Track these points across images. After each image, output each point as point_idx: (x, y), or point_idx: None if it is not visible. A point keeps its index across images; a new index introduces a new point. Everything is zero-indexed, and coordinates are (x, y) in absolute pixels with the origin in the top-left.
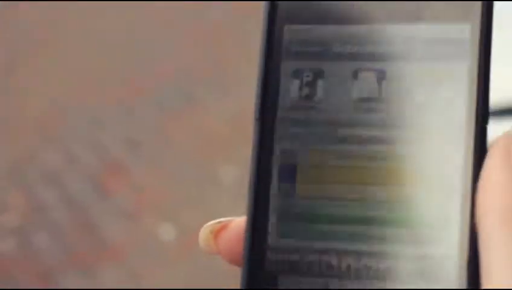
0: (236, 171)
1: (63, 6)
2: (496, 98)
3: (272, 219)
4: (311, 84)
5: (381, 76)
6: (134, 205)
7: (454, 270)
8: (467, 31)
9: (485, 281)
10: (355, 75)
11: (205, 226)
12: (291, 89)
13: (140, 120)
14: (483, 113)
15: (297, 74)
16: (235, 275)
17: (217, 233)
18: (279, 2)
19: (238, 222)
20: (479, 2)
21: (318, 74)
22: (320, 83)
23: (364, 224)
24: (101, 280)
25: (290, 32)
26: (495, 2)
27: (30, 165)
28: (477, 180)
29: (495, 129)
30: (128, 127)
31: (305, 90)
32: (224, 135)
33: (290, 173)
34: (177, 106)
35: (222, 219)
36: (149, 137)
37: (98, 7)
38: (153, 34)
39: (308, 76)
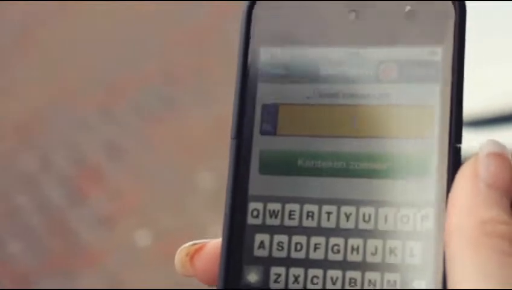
0: (215, 177)
1: (43, 9)
2: (498, 104)
3: (248, 234)
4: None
5: (355, 98)
6: (111, 210)
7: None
8: (440, 53)
9: None
10: (331, 95)
11: (181, 248)
12: (267, 113)
13: (119, 124)
14: (456, 133)
15: (273, 97)
16: None
17: (192, 255)
18: (255, 24)
19: (214, 244)
20: (452, 25)
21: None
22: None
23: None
24: (77, 286)
25: (265, 53)
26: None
27: (6, 169)
28: None
29: (497, 136)
30: (107, 131)
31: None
32: (204, 140)
33: None
34: (157, 110)
35: (197, 241)
36: (128, 141)
37: (78, 11)
38: (134, 38)
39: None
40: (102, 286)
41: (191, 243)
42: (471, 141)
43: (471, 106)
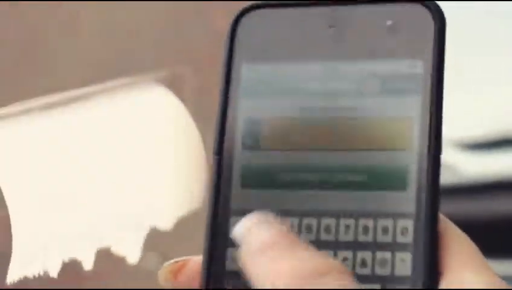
0: None
1: (35, 7)
2: (489, 128)
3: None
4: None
5: (337, 111)
6: None
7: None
8: (420, 66)
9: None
10: (313, 110)
11: (164, 266)
12: (249, 128)
13: None
14: (436, 143)
15: (255, 112)
16: None
17: (176, 272)
18: (238, 41)
19: (197, 259)
20: (431, 38)
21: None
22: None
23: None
24: None
25: (248, 69)
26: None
27: None
28: (435, 203)
29: (489, 161)
30: None
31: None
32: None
33: None
34: None
35: (180, 259)
36: None
37: (71, 9)
38: (126, 36)
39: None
40: None
41: (173, 260)
42: (472, 164)
43: (472, 129)
